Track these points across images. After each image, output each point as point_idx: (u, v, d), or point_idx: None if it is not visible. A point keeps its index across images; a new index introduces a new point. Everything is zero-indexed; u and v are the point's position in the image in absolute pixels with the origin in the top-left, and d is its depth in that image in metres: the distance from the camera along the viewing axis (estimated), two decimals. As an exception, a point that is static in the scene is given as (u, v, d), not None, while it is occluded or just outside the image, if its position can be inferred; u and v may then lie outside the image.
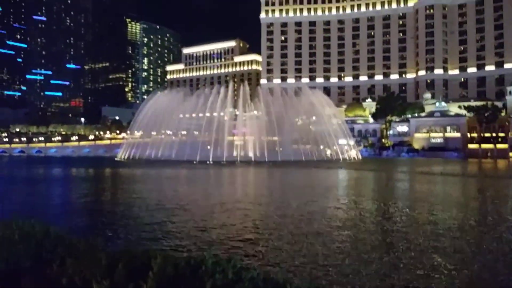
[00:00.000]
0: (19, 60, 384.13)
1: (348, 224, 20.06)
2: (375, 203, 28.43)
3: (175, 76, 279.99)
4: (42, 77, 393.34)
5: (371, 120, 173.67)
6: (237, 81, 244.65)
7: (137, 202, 27.40)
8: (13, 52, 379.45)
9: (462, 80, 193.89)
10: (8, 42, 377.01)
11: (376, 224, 20.51)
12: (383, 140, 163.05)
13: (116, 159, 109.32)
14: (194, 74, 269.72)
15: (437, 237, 16.90)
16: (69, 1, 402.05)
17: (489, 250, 15.17)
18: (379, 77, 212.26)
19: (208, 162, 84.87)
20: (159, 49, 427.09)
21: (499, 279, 12.25)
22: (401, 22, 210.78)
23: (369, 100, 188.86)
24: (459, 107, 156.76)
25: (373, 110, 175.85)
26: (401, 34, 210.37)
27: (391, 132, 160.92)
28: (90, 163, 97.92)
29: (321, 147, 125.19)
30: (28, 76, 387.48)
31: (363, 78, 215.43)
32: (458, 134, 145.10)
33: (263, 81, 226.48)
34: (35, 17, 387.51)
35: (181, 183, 45.28)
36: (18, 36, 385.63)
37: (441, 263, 13.14)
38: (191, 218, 21.23)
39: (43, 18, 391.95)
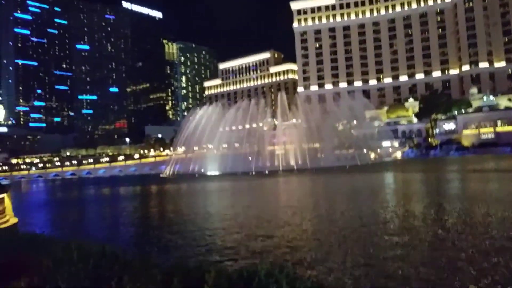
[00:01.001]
0: (66, 88, 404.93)
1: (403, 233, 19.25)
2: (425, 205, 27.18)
3: (213, 91, 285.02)
4: (88, 102, 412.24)
5: (414, 120, 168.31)
6: (274, 91, 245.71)
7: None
8: (60, 81, 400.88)
9: (510, 71, 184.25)
10: (55, 72, 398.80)
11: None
12: (429, 139, 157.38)
13: (161, 175, 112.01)
14: (232, 88, 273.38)
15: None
16: (109, 29, 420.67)
17: None
18: (420, 76, 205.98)
19: (250, 173, 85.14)
20: (196, 66, 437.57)
21: None
22: (439, 18, 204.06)
23: (411, 99, 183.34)
24: (509, 99, 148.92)
25: (416, 109, 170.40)
26: (440, 30, 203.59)
27: (437, 130, 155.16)
28: (138, 181, 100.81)
29: (364, 150, 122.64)
30: (75, 103, 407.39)
31: (403, 78, 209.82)
32: (510, 128, 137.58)
33: (300, 89, 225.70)
34: (78, 46, 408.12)
35: (227, 196, 45.51)
36: (64, 66, 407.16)
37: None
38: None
39: (86, 47, 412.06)
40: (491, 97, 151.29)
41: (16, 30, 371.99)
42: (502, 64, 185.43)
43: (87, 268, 5.82)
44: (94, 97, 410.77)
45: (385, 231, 18.80)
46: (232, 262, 14.66)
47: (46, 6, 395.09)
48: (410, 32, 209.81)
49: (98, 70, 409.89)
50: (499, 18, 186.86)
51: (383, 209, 26.12)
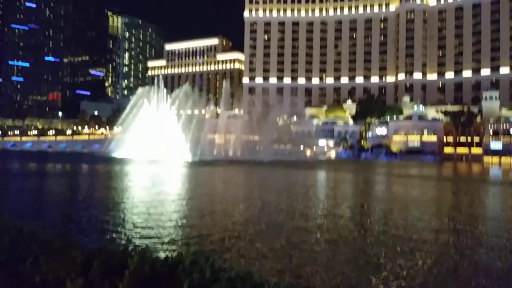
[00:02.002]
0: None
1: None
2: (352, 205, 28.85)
3: (156, 72, 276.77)
4: (19, 68, 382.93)
5: (351, 122, 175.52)
6: (219, 79, 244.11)
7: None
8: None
9: (440, 84, 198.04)
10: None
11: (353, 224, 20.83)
12: (362, 142, 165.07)
13: (96, 155, 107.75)
14: (176, 71, 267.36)
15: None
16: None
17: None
18: (360, 79, 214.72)
19: (187, 161, 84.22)
20: (141, 44, 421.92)
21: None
22: (382, 26, 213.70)
23: (349, 101, 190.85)
24: (437, 111, 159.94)
25: (353, 112, 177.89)
26: (382, 37, 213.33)
27: (370, 134, 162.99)
28: (70, 158, 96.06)
29: (301, 147, 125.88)
30: (4, 68, 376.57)
31: (344, 80, 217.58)
32: (434, 138, 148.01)
33: (245, 80, 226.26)
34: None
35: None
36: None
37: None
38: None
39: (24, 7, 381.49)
40: (421, 107, 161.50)
41: None
42: (434, 76, 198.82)
43: (1, 245, 5.68)
44: (27, 64, 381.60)
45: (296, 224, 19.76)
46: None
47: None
48: (354, 36, 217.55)
49: (34, 35, 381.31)
50: (436, 32, 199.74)
51: (306, 206, 27.30)
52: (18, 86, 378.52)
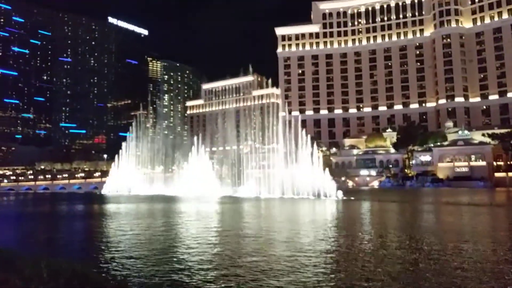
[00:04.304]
0: (45, 100, 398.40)
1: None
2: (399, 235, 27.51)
3: (195, 111, 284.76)
4: (66, 115, 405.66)
5: (392, 150, 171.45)
6: (256, 114, 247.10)
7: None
8: (39, 93, 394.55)
9: (484, 107, 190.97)
10: (35, 83, 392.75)
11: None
12: (405, 170, 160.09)
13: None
14: (214, 108, 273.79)
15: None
16: (93, 43, 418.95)
17: None
18: (398, 107, 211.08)
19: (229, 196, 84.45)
20: (179, 85, 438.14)
21: None
22: (418, 52, 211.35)
23: (389, 130, 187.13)
24: (483, 135, 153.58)
25: (394, 140, 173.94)
26: (418, 63, 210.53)
27: (413, 162, 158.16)
28: (112, 198, 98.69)
29: (343, 178, 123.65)
30: (53, 115, 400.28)
31: (382, 108, 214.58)
32: (483, 163, 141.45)
33: (281, 113, 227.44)
34: (61, 58, 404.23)
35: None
36: (45, 77, 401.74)
37: None
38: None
39: (69, 60, 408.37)
40: (466, 132, 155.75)
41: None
42: (477, 99, 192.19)
43: (57, 287, 5.67)
44: (74, 111, 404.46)
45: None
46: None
47: (30, 17, 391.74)
48: (390, 64, 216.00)
49: (80, 83, 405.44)
50: (476, 55, 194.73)
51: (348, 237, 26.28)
52: (66, 131, 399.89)
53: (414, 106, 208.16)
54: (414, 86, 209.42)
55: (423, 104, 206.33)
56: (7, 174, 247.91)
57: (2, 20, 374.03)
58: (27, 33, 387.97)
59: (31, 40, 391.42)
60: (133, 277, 15.03)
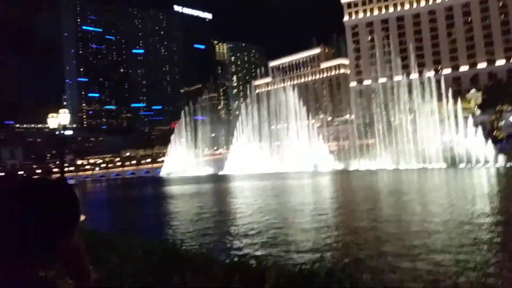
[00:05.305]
0: (123, 92, 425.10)
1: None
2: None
3: (263, 89, 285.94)
4: (144, 104, 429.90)
5: (477, 112, 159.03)
6: (326, 87, 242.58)
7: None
8: (118, 85, 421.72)
9: None
10: (112, 75, 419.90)
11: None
12: (494, 132, 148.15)
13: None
14: (282, 85, 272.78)
15: None
16: (162, 33, 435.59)
17: None
18: (482, 65, 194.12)
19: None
20: (246, 65, 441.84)
21: None
22: (501, 4, 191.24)
23: (473, 91, 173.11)
24: None
25: (479, 101, 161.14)
26: (503, 16, 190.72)
27: (502, 123, 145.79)
28: (193, 179, 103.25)
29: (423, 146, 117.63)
30: (132, 105, 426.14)
31: (464, 68, 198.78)
32: None
33: (352, 83, 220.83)
34: (134, 51, 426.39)
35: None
36: (121, 70, 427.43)
37: None
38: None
39: (141, 51, 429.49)
40: None
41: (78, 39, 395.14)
42: None
43: (151, 265, 5.92)
44: (150, 100, 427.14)
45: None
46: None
47: (102, 15, 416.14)
48: (469, 20, 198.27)
49: (153, 73, 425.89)
50: None
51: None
52: (145, 119, 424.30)
53: (500, 62, 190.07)
54: (499, 41, 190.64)
55: (511, 60, 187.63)
56: (97, 162, 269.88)
57: (79, 20, 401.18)
58: (102, 30, 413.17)
59: (106, 36, 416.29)
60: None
